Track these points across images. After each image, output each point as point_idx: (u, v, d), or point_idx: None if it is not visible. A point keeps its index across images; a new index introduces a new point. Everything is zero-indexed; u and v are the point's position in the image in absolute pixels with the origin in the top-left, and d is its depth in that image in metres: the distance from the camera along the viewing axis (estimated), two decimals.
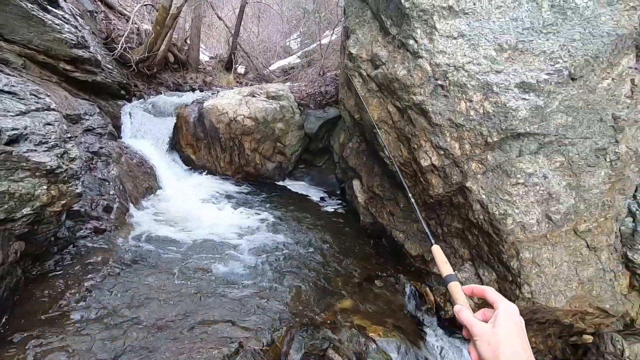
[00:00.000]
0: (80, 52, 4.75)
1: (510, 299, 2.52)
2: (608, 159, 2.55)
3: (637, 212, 2.72)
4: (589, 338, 3.00)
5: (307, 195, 5.58)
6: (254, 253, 3.33)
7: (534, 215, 2.44)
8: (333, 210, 5.00)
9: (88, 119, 4.32)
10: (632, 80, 2.51)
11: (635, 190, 2.77)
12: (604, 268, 2.70)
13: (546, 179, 2.45)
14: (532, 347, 2.58)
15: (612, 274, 2.74)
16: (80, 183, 2.71)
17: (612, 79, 2.46)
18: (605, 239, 2.69)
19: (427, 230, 1.15)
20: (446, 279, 0.90)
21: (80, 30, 4.99)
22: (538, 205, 2.45)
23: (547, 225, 2.48)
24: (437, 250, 1.02)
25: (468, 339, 0.76)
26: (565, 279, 2.58)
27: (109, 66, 5.73)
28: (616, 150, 2.55)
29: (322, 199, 5.51)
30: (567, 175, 2.50)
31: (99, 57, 5.30)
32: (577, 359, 3.11)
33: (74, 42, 4.61)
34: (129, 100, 6.13)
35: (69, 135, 2.77)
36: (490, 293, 0.78)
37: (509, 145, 2.49)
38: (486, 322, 0.75)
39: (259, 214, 4.35)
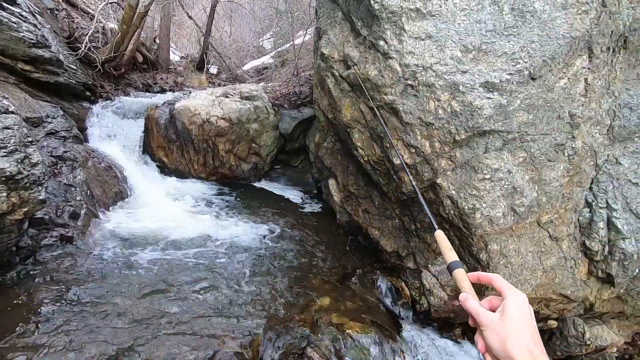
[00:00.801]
0: (40, 52, 4.52)
1: (480, 290, 2.63)
2: (566, 154, 2.71)
3: (593, 203, 2.90)
4: (553, 323, 3.18)
5: (284, 196, 5.58)
6: (229, 255, 3.30)
7: (500, 208, 2.56)
8: (310, 209, 5.02)
9: (51, 122, 4.13)
10: (586, 80, 2.68)
11: (591, 183, 2.96)
12: (565, 256, 2.87)
13: (511, 174, 2.57)
14: None
15: (573, 262, 2.91)
16: (44, 189, 2.59)
17: (568, 78, 2.62)
18: (565, 229, 2.85)
19: (429, 215, 1.13)
20: (450, 265, 0.86)
21: (39, 29, 4.75)
22: (504, 199, 2.57)
23: (512, 217, 2.60)
24: (440, 235, 0.98)
25: (474, 328, 0.73)
26: (530, 268, 2.72)
27: (72, 66, 5.48)
28: (573, 146, 2.71)
29: (298, 198, 5.52)
30: (530, 170, 2.63)
31: (61, 57, 5.06)
32: (543, 343, 3.29)
33: (33, 41, 4.38)
34: (95, 102, 5.89)
35: (29, 139, 2.64)
36: (498, 281, 0.76)
37: (476, 143, 2.60)
38: (493, 310, 0.72)
39: (234, 215, 4.30)
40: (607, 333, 3.35)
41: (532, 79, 2.54)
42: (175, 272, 2.89)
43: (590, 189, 2.93)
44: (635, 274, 2.88)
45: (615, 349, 3.41)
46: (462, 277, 0.81)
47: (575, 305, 3.05)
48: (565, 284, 2.87)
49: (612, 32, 2.69)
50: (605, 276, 2.92)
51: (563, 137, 2.67)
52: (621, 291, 3.02)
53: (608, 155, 2.96)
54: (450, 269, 0.85)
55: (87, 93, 5.68)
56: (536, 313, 3.03)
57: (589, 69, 2.67)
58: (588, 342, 3.05)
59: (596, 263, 2.92)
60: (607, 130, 2.93)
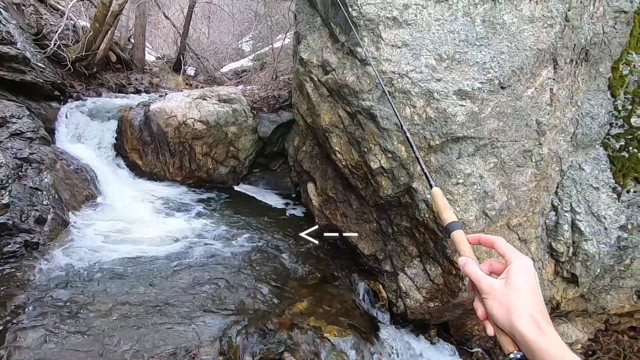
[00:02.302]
0: (5, 49, 4.31)
1: (453, 292, 2.71)
2: (534, 160, 2.84)
3: (559, 206, 3.05)
4: None
5: (262, 199, 5.53)
6: (205, 260, 3.24)
7: (472, 212, 2.65)
8: (288, 213, 5.00)
9: (15, 122, 3.93)
10: (551, 90, 2.82)
11: (557, 187, 3.12)
12: (533, 258, 3.00)
13: (482, 179, 2.67)
14: (475, 335, 2.78)
15: (540, 263, 3.05)
16: (7, 193, 2.47)
17: (535, 88, 2.75)
18: (533, 232, 2.98)
19: (425, 171, 1.03)
20: (448, 227, 0.77)
21: (4, 25, 4.53)
22: (476, 203, 2.66)
23: (484, 221, 2.69)
24: (437, 193, 0.88)
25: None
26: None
27: (40, 64, 5.25)
28: (540, 152, 2.85)
29: (277, 202, 5.49)
30: (500, 175, 2.74)
31: (28, 55, 4.84)
32: None
33: None
34: (65, 102, 5.65)
35: None
36: (501, 244, 0.72)
37: (450, 148, 2.68)
38: (495, 275, 0.68)
39: (211, 219, 4.23)
40: (572, 331, 3.52)
41: (502, 88, 2.65)
42: (145, 277, 2.81)
43: (556, 193, 3.08)
44: (597, 273, 3.05)
45: (580, 346, 3.59)
46: (462, 239, 0.74)
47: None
48: None
49: (574, 45, 2.85)
50: (570, 276, 3.07)
51: (531, 144, 2.80)
52: (584, 290, 3.19)
53: (572, 161, 3.12)
54: (448, 230, 0.77)
55: (56, 93, 5.45)
56: None
57: (553, 79, 2.81)
58: None
59: (562, 264, 3.06)
60: (571, 137, 3.09)
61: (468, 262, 0.71)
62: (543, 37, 2.68)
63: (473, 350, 3.40)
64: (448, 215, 0.80)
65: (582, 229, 2.97)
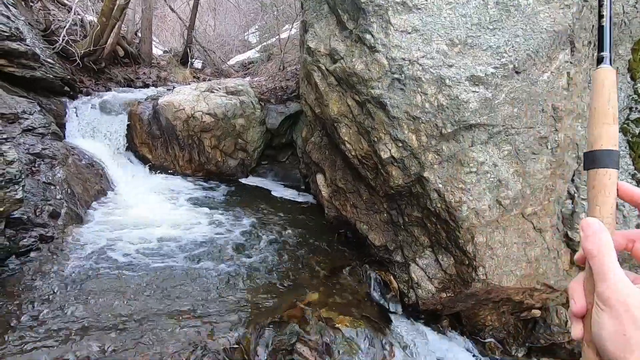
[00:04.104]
0: (14, 45, 4.34)
1: (466, 282, 2.66)
2: (549, 147, 2.75)
3: (575, 194, 2.97)
4: (537, 312, 3.26)
5: (271, 191, 5.53)
6: (216, 252, 3.25)
7: (486, 201, 2.59)
8: (298, 205, 4.99)
9: (27, 118, 3.98)
10: (568, 74, 2.72)
11: (573, 175, 3.03)
12: (549, 247, 2.93)
13: (496, 167, 2.60)
14: (487, 325, 2.74)
15: (556, 252, 2.98)
16: (21, 188, 2.50)
17: (551, 72, 2.65)
18: (549, 221, 2.91)
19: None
20: (596, 155, 0.45)
21: (13, 21, 4.56)
22: (489, 191, 2.60)
23: (498, 210, 2.64)
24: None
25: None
26: (515, 259, 2.77)
27: (49, 60, 5.29)
28: (556, 139, 2.76)
29: (286, 194, 5.49)
30: (515, 163, 2.67)
31: (38, 51, 4.88)
32: (528, 332, 3.37)
33: (6, 34, 4.21)
34: (75, 97, 5.70)
35: (4, 136, 2.54)
36: None
37: (462, 136, 2.61)
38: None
39: (221, 212, 4.24)
40: None
41: (517, 72, 2.56)
42: (159, 269, 2.83)
43: (572, 180, 3.00)
44: None
45: None
46: (608, 184, 0.41)
47: (558, 295, 3.12)
48: (549, 274, 2.93)
49: (592, 26, 2.74)
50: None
51: (546, 130, 2.71)
52: None
53: None
54: (592, 161, 0.45)
55: (66, 88, 5.49)
56: (520, 303, 3.11)
57: (571, 62, 2.71)
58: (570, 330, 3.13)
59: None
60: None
61: (602, 232, 0.42)
62: (560, 19, 2.58)
63: (486, 341, 3.37)
64: (604, 132, 0.43)
65: None
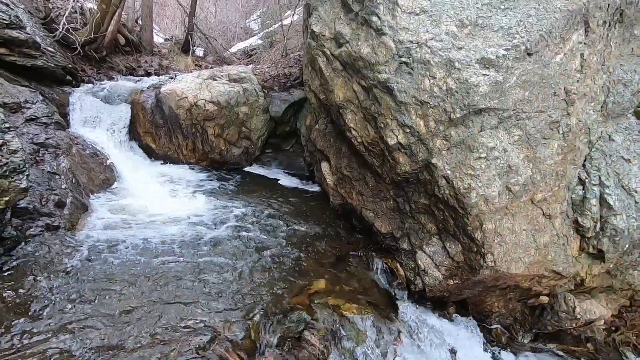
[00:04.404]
0: (14, 33, 4.28)
1: (474, 269, 2.64)
2: (561, 131, 2.69)
3: (586, 180, 2.91)
4: (545, 299, 3.24)
5: (276, 180, 5.51)
6: (222, 241, 3.25)
7: (495, 187, 2.54)
8: (302, 193, 4.97)
9: (30, 108, 3.94)
10: (582, 55, 2.63)
11: (585, 160, 2.97)
12: (558, 234, 2.90)
13: (506, 153, 2.54)
14: (494, 312, 2.73)
15: (565, 239, 2.94)
16: (25, 177, 2.48)
17: (564, 53, 2.57)
18: (558, 207, 2.87)
19: None
20: None
21: (12, 9, 4.49)
22: (499, 178, 2.55)
23: (507, 196, 2.59)
24: None
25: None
26: (524, 246, 2.74)
27: (50, 49, 5.23)
28: (568, 123, 2.69)
29: (291, 182, 5.46)
30: (525, 148, 2.61)
31: (38, 39, 4.81)
32: (535, 318, 3.36)
33: (6, 22, 4.14)
34: (77, 86, 5.65)
35: (7, 125, 2.51)
36: None
37: (471, 121, 2.55)
38: None
39: (226, 201, 4.23)
40: (596, 307, 3.43)
41: (529, 54, 2.48)
42: (165, 259, 2.83)
43: (584, 166, 2.94)
44: (625, 249, 2.93)
45: (602, 322, 3.51)
46: None
47: (567, 281, 3.10)
48: (558, 260, 2.90)
49: (608, 5, 2.64)
50: (596, 252, 2.96)
51: (558, 114, 2.64)
52: (611, 266, 3.08)
53: (601, 132, 2.95)
54: None
55: (68, 77, 5.44)
56: (528, 290, 3.09)
57: (585, 43, 2.62)
58: (578, 317, 3.12)
59: (588, 240, 2.95)
60: (601, 106, 2.91)
61: None
62: None
63: (492, 327, 3.37)
64: None
65: (611, 203, 2.83)
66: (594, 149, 2.94)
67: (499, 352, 3.18)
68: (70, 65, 5.62)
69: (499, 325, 3.39)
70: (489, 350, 3.08)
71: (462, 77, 2.45)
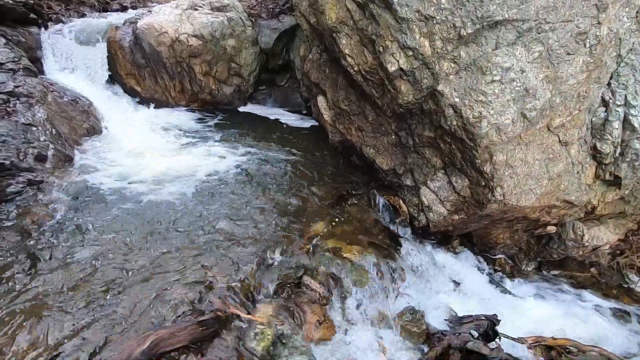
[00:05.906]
0: None
1: (481, 203, 2.47)
2: (588, 45, 2.33)
3: (610, 101, 2.62)
4: (552, 229, 3.15)
5: (271, 118, 5.22)
6: (217, 185, 3.11)
7: (509, 114, 2.28)
8: (300, 131, 4.72)
9: None
10: None
11: (610, 78, 2.64)
12: (573, 162, 2.69)
13: (523, 73, 2.23)
14: (499, 243, 2.60)
15: (580, 167, 2.75)
16: None
17: None
18: (576, 133, 2.62)
19: None
20: None
21: None
22: (514, 103, 2.27)
23: (522, 124, 2.34)
24: None
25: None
26: (536, 177, 2.56)
27: None
28: (597, 34, 2.32)
29: (287, 120, 5.17)
30: (545, 67, 2.29)
31: None
32: (540, 247, 3.31)
33: None
34: (45, 27, 5.11)
35: None
36: None
37: (485, 38, 2.20)
38: None
39: (219, 143, 4.02)
40: (603, 233, 3.36)
41: None
42: (159, 208, 2.72)
43: (609, 85, 2.62)
44: None
45: (608, 247, 3.47)
46: None
47: (577, 210, 2.97)
48: (570, 189, 2.74)
49: None
50: (612, 179, 2.79)
51: (587, 24, 2.26)
52: (626, 192, 2.93)
53: (633, 43, 2.58)
54: None
55: (32, 15, 4.88)
56: (536, 221, 2.98)
57: None
58: (586, 244, 3.05)
59: (605, 166, 2.76)
60: (637, 12, 2.49)
61: None
62: None
63: (496, 257, 3.35)
64: None
65: (636, 125, 2.58)
66: (623, 64, 2.59)
67: (502, 280, 3.19)
68: (32, 1, 5.02)
69: (503, 255, 3.36)
70: (493, 281, 3.08)
71: None
